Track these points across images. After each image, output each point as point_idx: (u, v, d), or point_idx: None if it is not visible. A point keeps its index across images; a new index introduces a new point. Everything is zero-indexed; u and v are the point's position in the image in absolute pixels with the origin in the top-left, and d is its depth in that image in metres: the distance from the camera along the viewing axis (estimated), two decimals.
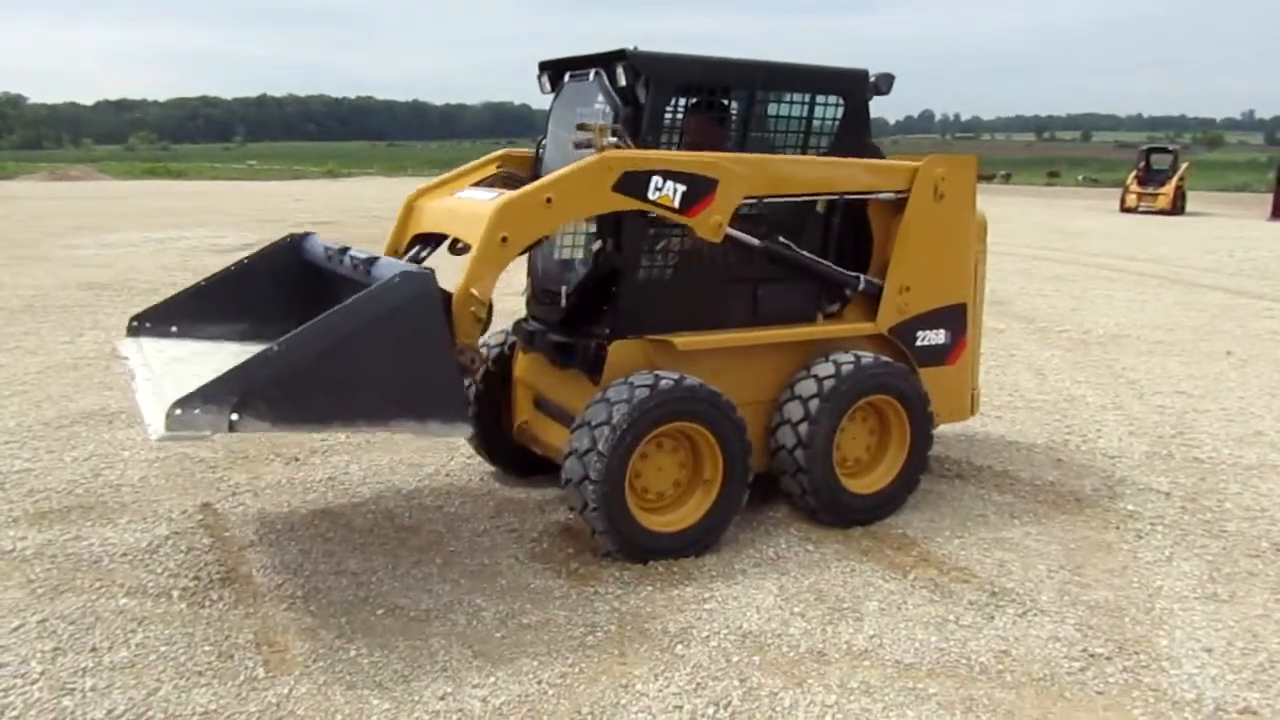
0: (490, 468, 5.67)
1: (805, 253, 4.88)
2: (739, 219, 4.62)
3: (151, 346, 4.71)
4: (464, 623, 3.94)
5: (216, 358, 4.23)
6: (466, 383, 4.03)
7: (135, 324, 4.90)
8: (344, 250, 4.59)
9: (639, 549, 4.39)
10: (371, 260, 4.27)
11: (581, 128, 4.32)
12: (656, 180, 4.33)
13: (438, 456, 5.99)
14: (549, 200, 4.17)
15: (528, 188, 4.24)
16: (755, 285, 4.86)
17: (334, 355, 3.63)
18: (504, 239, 4.10)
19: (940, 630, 3.91)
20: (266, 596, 4.15)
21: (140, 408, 3.91)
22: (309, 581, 4.29)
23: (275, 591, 4.19)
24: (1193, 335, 10.03)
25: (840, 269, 4.99)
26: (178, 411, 3.37)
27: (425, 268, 3.96)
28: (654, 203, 4.34)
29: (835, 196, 4.88)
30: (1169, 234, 21.72)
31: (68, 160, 64.57)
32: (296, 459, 5.95)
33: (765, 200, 4.71)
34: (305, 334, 3.65)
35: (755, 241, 4.73)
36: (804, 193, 4.80)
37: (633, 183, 4.29)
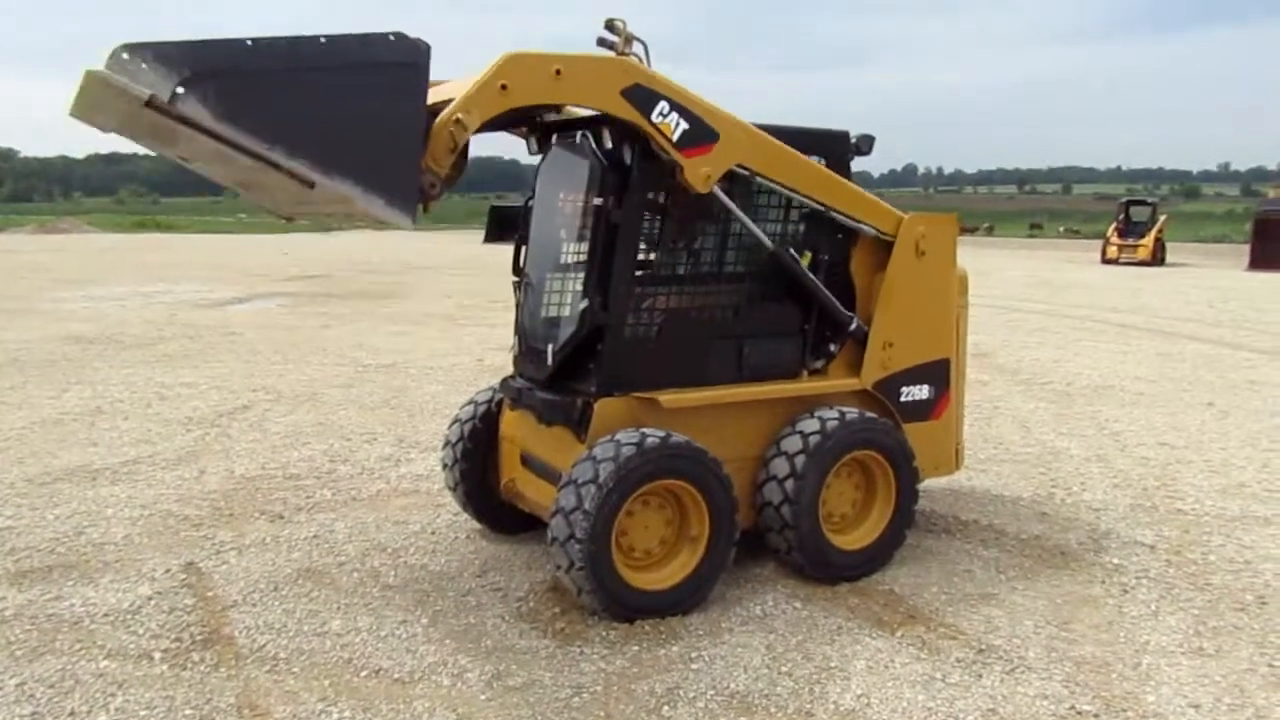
0: (477, 525, 5.65)
1: (809, 274, 4.92)
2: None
3: None
4: (449, 684, 3.91)
5: None
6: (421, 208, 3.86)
7: None
8: None
9: (626, 607, 4.38)
10: None
11: (609, 27, 4.34)
12: (664, 105, 4.33)
13: (425, 515, 5.97)
14: (558, 72, 4.11)
15: (542, 52, 4.17)
16: (740, 342, 4.91)
17: (305, 76, 3.44)
18: (504, 86, 4.01)
19: (928, 689, 3.89)
20: (249, 658, 4.11)
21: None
22: (292, 642, 4.25)
23: (258, 653, 4.15)
24: (1174, 386, 10.12)
25: (837, 304, 5.04)
26: (124, 55, 3.16)
27: (426, 44, 3.76)
28: (655, 125, 4.33)
29: (823, 208, 4.92)
30: (1150, 285, 21.99)
31: (57, 213, 64.73)
32: (281, 516, 5.92)
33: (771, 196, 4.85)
34: (286, 44, 3.46)
35: (768, 243, 4.80)
36: (796, 187, 4.82)
37: (642, 96, 4.28)
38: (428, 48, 3.73)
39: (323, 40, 3.54)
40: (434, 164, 3.88)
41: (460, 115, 3.89)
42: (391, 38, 3.64)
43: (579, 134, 4.64)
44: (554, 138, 4.98)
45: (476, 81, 3.98)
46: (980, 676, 4.00)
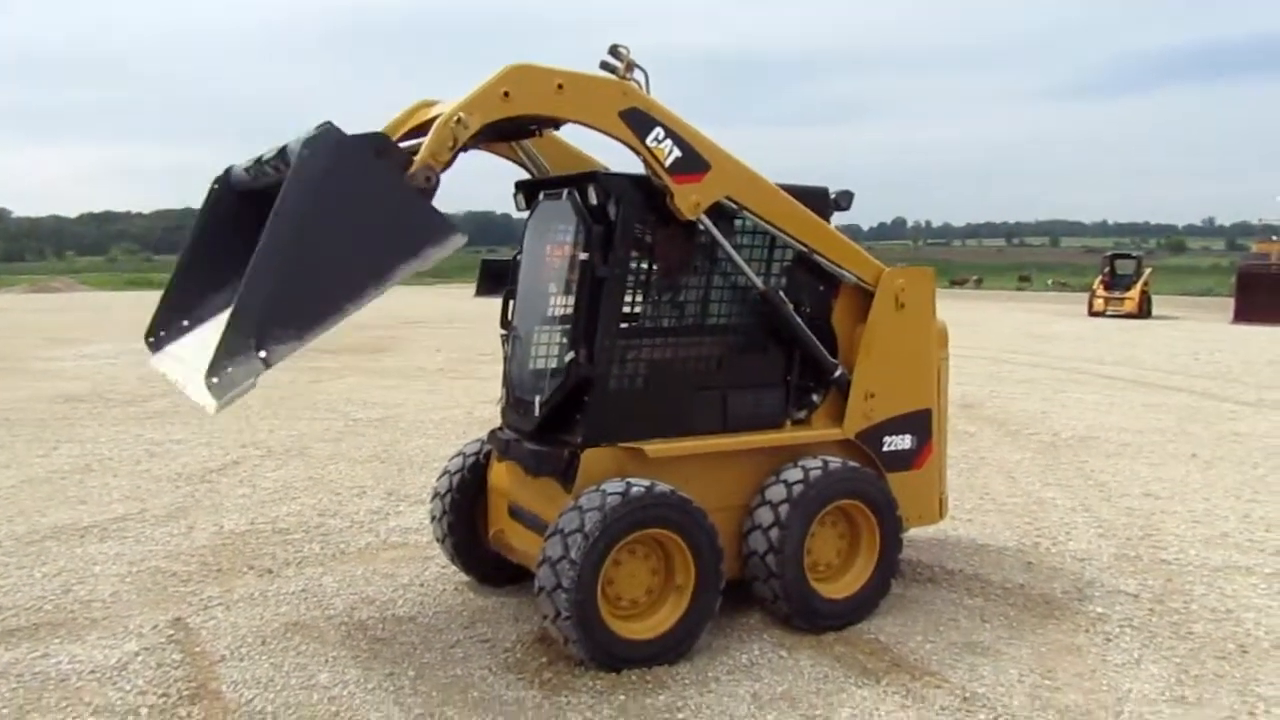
0: (465, 577, 5.67)
1: (795, 316, 5.00)
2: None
3: (177, 348, 4.75)
4: None
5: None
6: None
7: (153, 340, 4.90)
8: (259, 161, 4.46)
9: (612, 657, 4.39)
10: (281, 152, 4.16)
11: (613, 53, 4.47)
12: (659, 131, 4.47)
13: (413, 567, 5.98)
14: (560, 86, 4.26)
15: (547, 66, 4.29)
16: (724, 392, 4.99)
17: (304, 254, 3.65)
18: (506, 93, 4.16)
19: None
20: (236, 713, 4.11)
21: (191, 399, 3.92)
22: (279, 696, 4.25)
23: (245, 707, 4.15)
24: (1160, 437, 10.21)
25: (822, 349, 5.12)
26: (214, 380, 3.48)
27: (324, 124, 3.86)
28: (649, 150, 4.46)
29: (807, 250, 5.03)
30: (1136, 337, 22.19)
31: (50, 272, 64.86)
32: (270, 571, 5.93)
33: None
34: (270, 247, 3.64)
35: (758, 282, 4.90)
36: (782, 227, 4.93)
37: (639, 120, 4.42)
38: (326, 123, 3.86)
39: (279, 215, 3.71)
40: (433, 160, 4.03)
41: (462, 114, 4.06)
42: (305, 152, 3.78)
43: (565, 191, 4.77)
44: (541, 195, 5.11)
45: (481, 86, 4.16)
46: None
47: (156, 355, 4.87)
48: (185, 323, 4.88)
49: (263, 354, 3.53)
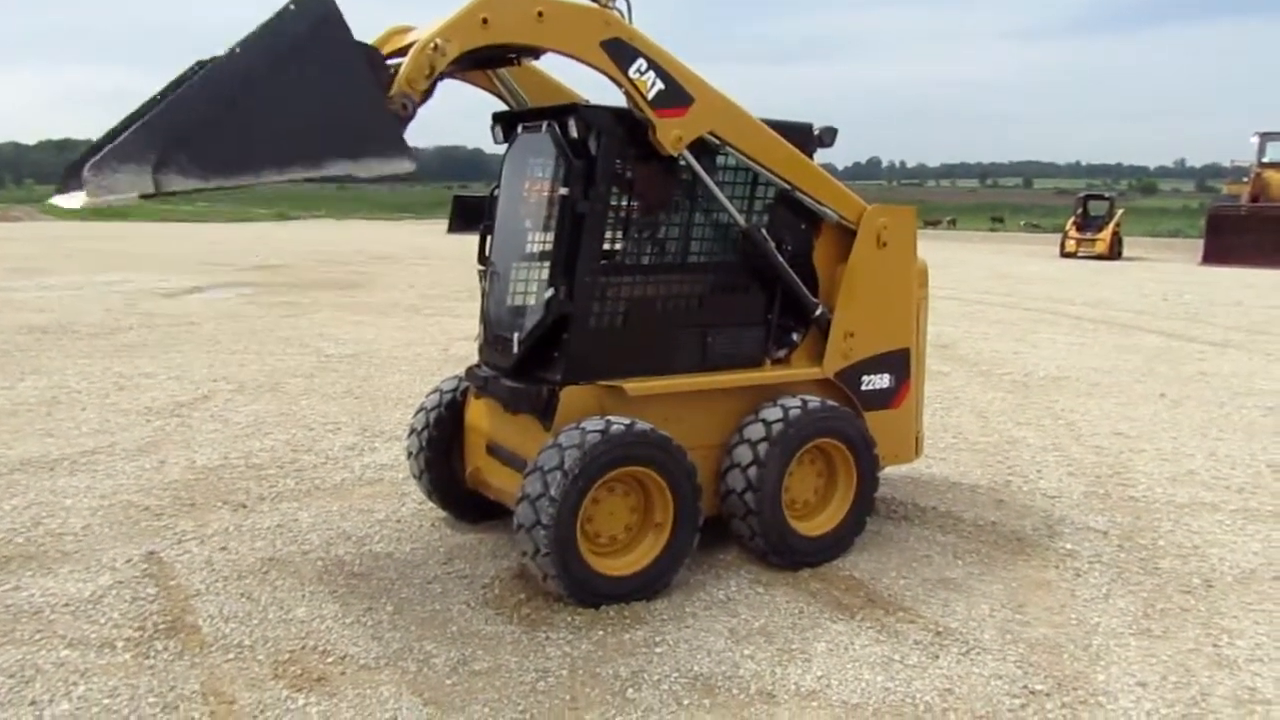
0: (442, 514, 5.66)
1: (777, 254, 4.96)
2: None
3: None
4: (414, 670, 3.93)
5: None
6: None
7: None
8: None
9: (591, 593, 4.42)
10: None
11: None
12: (641, 63, 4.38)
13: (389, 504, 5.97)
14: (540, 14, 4.16)
15: None
16: (705, 331, 4.96)
17: (247, 95, 3.43)
18: (485, 20, 4.06)
19: (886, 670, 3.98)
20: (213, 646, 4.10)
21: (56, 200, 3.67)
22: (256, 630, 4.24)
23: (222, 641, 4.14)
24: (1129, 377, 10.33)
25: (803, 287, 5.09)
26: (93, 175, 3.15)
27: None
28: (631, 81, 4.37)
29: (790, 187, 4.97)
30: (1107, 278, 22.35)
31: (9, 200, 63.26)
32: (244, 506, 5.89)
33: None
34: (215, 78, 3.44)
35: (740, 219, 4.85)
36: (765, 163, 4.86)
37: (621, 51, 4.32)
38: None
39: (237, 50, 3.50)
40: (408, 87, 3.91)
41: (439, 41, 3.94)
42: (292, 6, 3.58)
43: (545, 124, 4.66)
44: (519, 127, 4.99)
45: (459, 11, 4.03)
46: (937, 658, 4.09)
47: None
48: None
49: (158, 174, 3.24)
